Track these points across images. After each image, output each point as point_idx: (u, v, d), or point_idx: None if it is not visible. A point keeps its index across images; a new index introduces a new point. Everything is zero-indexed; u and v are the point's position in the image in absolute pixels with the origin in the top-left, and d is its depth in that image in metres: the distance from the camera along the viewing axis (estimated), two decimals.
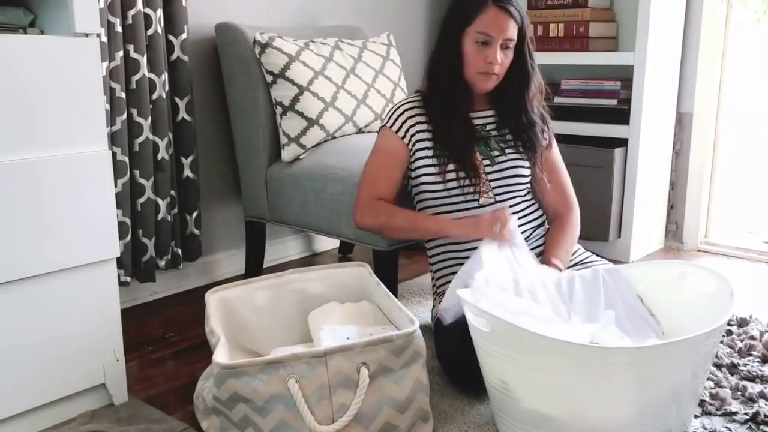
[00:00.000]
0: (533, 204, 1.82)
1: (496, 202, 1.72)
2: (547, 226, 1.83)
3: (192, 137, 2.18)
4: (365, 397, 1.27)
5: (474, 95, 1.75)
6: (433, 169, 1.72)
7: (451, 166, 1.71)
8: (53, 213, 1.41)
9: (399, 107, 1.77)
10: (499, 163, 1.74)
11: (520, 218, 1.75)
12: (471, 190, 1.71)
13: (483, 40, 1.64)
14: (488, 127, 1.77)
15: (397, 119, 1.75)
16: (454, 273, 1.74)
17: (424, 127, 1.74)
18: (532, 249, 1.73)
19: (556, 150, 1.85)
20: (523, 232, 1.72)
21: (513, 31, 1.65)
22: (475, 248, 1.58)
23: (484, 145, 1.74)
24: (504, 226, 1.58)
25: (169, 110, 2.11)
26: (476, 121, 1.77)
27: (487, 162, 1.73)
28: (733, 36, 2.67)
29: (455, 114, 1.72)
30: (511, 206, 1.73)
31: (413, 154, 1.75)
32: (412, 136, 1.74)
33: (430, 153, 1.72)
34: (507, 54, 1.68)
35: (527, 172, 1.77)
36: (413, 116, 1.75)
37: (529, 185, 1.81)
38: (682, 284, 1.56)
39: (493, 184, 1.73)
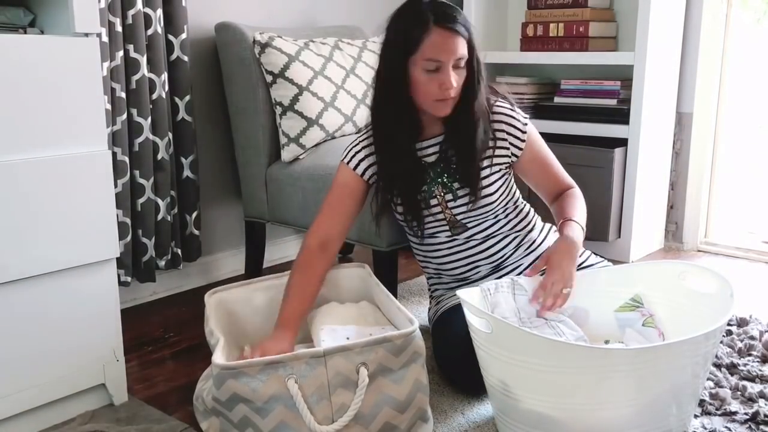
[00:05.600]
0: (516, 210, 1.73)
1: (466, 228, 1.67)
2: (545, 225, 1.82)
3: (192, 137, 2.18)
4: (365, 397, 1.27)
5: (423, 123, 1.62)
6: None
7: (400, 208, 1.66)
8: (53, 213, 1.41)
9: (356, 144, 1.67)
10: (461, 197, 1.63)
11: (498, 238, 1.68)
12: (419, 232, 1.68)
13: (434, 68, 1.48)
14: (438, 155, 1.64)
15: (353, 156, 1.65)
16: (442, 282, 1.76)
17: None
18: (525, 256, 1.71)
19: (540, 147, 1.70)
20: (505, 246, 1.69)
21: (463, 49, 1.50)
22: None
23: (443, 179, 1.63)
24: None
25: (168, 110, 2.11)
26: (430, 150, 1.65)
27: (450, 197, 1.63)
28: (733, 36, 2.67)
29: (399, 150, 1.60)
30: (485, 229, 1.67)
31: (373, 187, 1.67)
32: (371, 175, 1.65)
33: None
34: (460, 73, 1.52)
35: (495, 188, 1.65)
36: (369, 155, 1.64)
37: (504, 197, 1.68)
38: (682, 284, 1.56)
39: (460, 217, 1.65)
